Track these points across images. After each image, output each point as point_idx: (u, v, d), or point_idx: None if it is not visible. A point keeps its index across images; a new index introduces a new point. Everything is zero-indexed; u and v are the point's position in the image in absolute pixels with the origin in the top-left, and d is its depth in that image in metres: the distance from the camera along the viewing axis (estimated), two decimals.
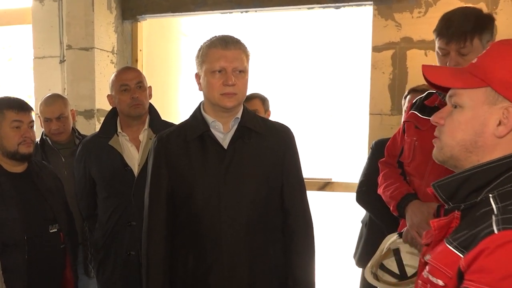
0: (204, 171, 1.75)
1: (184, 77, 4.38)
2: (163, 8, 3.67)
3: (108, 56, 3.63)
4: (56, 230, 2.17)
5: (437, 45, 1.74)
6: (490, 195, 0.97)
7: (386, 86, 3.16)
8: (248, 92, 1.88)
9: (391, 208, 1.86)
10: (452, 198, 1.03)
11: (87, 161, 2.42)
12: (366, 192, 2.47)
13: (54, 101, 2.71)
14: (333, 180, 3.56)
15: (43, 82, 3.73)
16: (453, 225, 1.02)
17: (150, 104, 2.47)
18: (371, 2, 3.17)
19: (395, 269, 1.82)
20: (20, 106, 2.11)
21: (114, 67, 3.65)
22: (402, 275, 1.80)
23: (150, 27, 3.96)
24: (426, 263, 1.05)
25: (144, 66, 3.91)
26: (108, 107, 2.59)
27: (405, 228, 1.78)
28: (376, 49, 3.18)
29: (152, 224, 1.82)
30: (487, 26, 1.70)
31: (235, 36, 1.76)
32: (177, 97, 4.44)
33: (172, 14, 3.69)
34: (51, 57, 3.73)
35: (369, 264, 1.85)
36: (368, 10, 3.25)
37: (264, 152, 1.79)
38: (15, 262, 2.01)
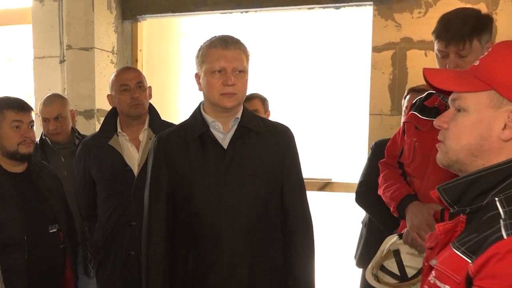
0: (204, 171, 1.75)
1: (184, 77, 4.38)
2: (163, 8, 3.67)
3: (108, 56, 3.63)
4: (56, 230, 2.17)
5: (436, 47, 1.74)
6: (496, 198, 0.96)
7: (386, 86, 3.16)
8: (248, 92, 1.89)
9: (391, 209, 1.86)
10: (457, 201, 1.02)
11: (87, 161, 2.42)
12: (365, 193, 2.47)
13: (52, 101, 2.71)
14: (333, 180, 3.56)
15: (43, 82, 3.73)
16: (458, 229, 1.01)
17: (150, 104, 2.47)
18: (371, 3, 3.17)
19: (396, 270, 1.82)
20: (20, 106, 2.11)
21: (114, 67, 3.65)
22: (402, 276, 1.80)
23: (150, 27, 3.96)
24: (431, 268, 1.03)
25: (144, 66, 3.91)
26: (108, 107, 2.59)
27: (405, 229, 1.78)
28: (376, 49, 3.18)
29: (152, 224, 1.82)
30: (485, 27, 1.70)
31: (235, 36, 1.77)
32: (177, 97, 4.43)
33: (172, 14, 3.69)
34: (51, 57, 3.73)
35: (369, 266, 1.85)
36: (368, 11, 3.25)
37: (264, 152, 1.79)
38: (15, 262, 2.01)
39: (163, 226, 1.80)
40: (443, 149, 1.07)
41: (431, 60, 2.05)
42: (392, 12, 3.12)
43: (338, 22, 4.22)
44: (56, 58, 3.71)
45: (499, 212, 0.93)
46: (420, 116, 1.83)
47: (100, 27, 3.54)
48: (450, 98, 1.07)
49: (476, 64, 1.06)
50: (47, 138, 2.73)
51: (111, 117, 2.46)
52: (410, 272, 1.79)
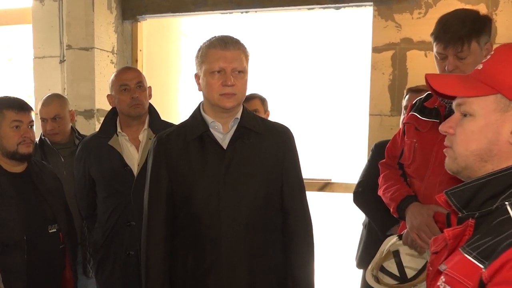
0: (204, 171, 1.75)
1: (184, 77, 4.38)
2: (163, 8, 3.67)
3: (108, 56, 3.63)
4: (55, 230, 2.16)
5: (434, 49, 1.74)
6: (507, 202, 0.94)
7: (386, 87, 3.16)
8: (248, 92, 1.88)
9: (391, 210, 1.86)
10: (466, 206, 1.00)
11: (87, 161, 2.42)
12: (361, 193, 2.50)
13: (50, 102, 2.71)
14: (332, 181, 3.56)
15: (43, 82, 3.73)
16: (466, 233, 1.00)
17: (150, 104, 2.48)
18: (371, 3, 3.17)
19: (395, 271, 1.82)
20: (20, 106, 2.11)
21: (114, 67, 3.65)
22: (402, 277, 1.80)
23: (150, 27, 3.96)
24: (439, 273, 1.01)
25: (144, 66, 3.91)
26: (108, 107, 2.59)
27: (405, 230, 1.78)
28: (376, 49, 3.18)
29: (151, 224, 1.82)
30: (484, 28, 1.70)
31: (235, 37, 1.76)
32: (177, 97, 4.44)
33: (172, 14, 3.69)
34: (51, 57, 3.73)
35: (370, 267, 1.85)
36: (368, 11, 3.25)
37: (263, 153, 1.79)
38: (15, 262, 2.01)
39: (163, 226, 1.80)
40: (452, 155, 1.05)
41: (431, 61, 2.05)
42: (392, 12, 3.12)
43: (338, 22, 4.21)
44: (56, 58, 3.71)
45: (510, 217, 0.92)
46: (420, 117, 1.83)
47: (100, 27, 3.54)
48: (455, 103, 1.05)
49: (479, 68, 1.04)
50: (46, 138, 2.73)
51: (111, 117, 2.46)
52: (409, 273, 1.79)
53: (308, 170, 2.85)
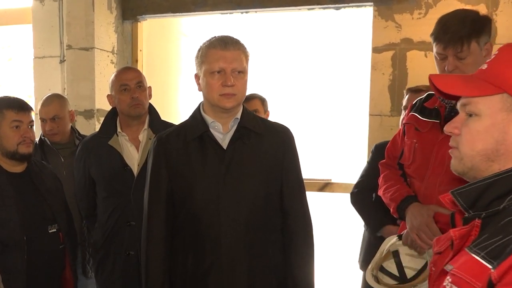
0: (204, 171, 1.75)
1: (184, 77, 4.38)
2: (163, 8, 3.67)
3: (108, 56, 3.63)
4: (55, 230, 2.16)
5: (434, 49, 1.74)
6: None
7: (386, 87, 3.16)
8: (248, 93, 1.88)
9: (391, 210, 1.86)
10: (472, 206, 1.00)
11: (87, 161, 2.42)
12: (356, 194, 2.53)
13: (50, 102, 2.71)
14: (332, 181, 3.56)
15: (43, 82, 3.73)
16: (472, 233, 0.99)
17: (150, 104, 2.48)
18: (371, 3, 3.17)
19: (395, 271, 1.82)
20: (20, 106, 2.11)
21: (114, 67, 3.65)
22: (401, 277, 1.80)
23: (150, 27, 3.96)
24: (443, 273, 1.01)
25: (144, 66, 3.91)
26: (108, 107, 2.59)
27: (405, 231, 1.78)
28: (376, 50, 3.18)
29: (151, 224, 1.82)
30: (484, 29, 1.70)
31: (235, 37, 1.76)
32: (177, 97, 4.44)
33: (172, 14, 3.69)
34: (51, 57, 3.73)
35: (369, 267, 1.85)
36: (368, 11, 3.25)
37: (263, 153, 1.79)
38: (14, 262, 2.01)
39: (162, 226, 1.80)
40: (457, 155, 1.04)
41: (431, 61, 2.05)
42: (392, 13, 3.12)
43: (338, 22, 4.22)
44: (56, 58, 3.71)
45: None
46: (420, 117, 1.83)
47: (100, 27, 3.55)
48: (459, 103, 1.04)
49: (484, 68, 1.04)
50: (46, 139, 2.73)
51: (111, 117, 2.46)
52: (409, 273, 1.79)
53: (308, 170, 2.85)
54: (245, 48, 1.76)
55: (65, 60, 3.63)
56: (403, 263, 1.81)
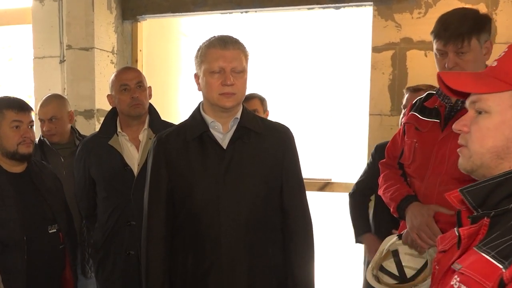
0: (204, 171, 1.75)
1: (184, 77, 4.38)
2: (163, 8, 3.67)
3: (108, 56, 3.63)
4: (55, 230, 2.16)
5: (435, 46, 1.74)
6: None
7: (386, 86, 3.16)
8: (247, 92, 1.88)
9: (391, 210, 1.86)
10: (482, 204, 0.99)
11: (87, 160, 2.42)
12: (352, 195, 2.61)
13: (48, 103, 2.71)
14: (333, 181, 3.56)
15: (43, 82, 3.73)
16: (480, 232, 0.98)
17: (150, 104, 2.48)
18: (371, 3, 3.17)
19: (394, 271, 1.82)
20: (20, 106, 2.11)
21: (114, 67, 3.65)
22: (401, 277, 1.80)
23: (150, 27, 3.96)
24: (450, 272, 1.00)
25: (144, 66, 3.91)
26: (108, 107, 2.59)
27: (405, 230, 1.78)
28: (376, 49, 3.18)
29: (151, 224, 1.82)
30: (484, 26, 1.70)
31: (234, 36, 1.76)
32: (177, 97, 4.44)
33: (172, 14, 3.69)
34: (51, 57, 3.73)
35: (369, 266, 1.85)
36: (368, 11, 3.25)
37: (263, 152, 1.79)
38: (15, 262, 2.01)
39: (162, 226, 1.81)
40: (466, 153, 1.03)
41: (431, 61, 2.05)
42: (392, 12, 3.12)
43: (338, 22, 4.21)
44: (56, 58, 3.71)
45: None
46: (420, 117, 1.83)
47: (100, 27, 3.55)
48: (468, 100, 1.03)
49: (494, 65, 1.03)
50: (45, 139, 2.73)
51: (111, 117, 2.47)
52: (408, 273, 1.80)
53: (308, 169, 2.85)
54: (245, 47, 1.76)
55: (65, 60, 3.63)
56: (402, 262, 1.81)
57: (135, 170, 2.35)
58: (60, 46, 3.67)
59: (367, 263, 2.60)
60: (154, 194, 1.82)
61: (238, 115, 1.80)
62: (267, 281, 1.81)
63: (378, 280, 1.82)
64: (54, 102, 2.72)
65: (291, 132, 1.88)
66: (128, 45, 3.86)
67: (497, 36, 2.88)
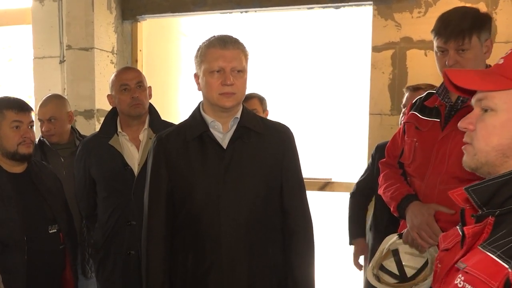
0: (204, 171, 1.75)
1: (184, 77, 4.38)
2: (163, 8, 3.67)
3: (108, 56, 3.63)
4: (55, 230, 2.16)
5: (435, 44, 1.74)
6: None
7: (386, 86, 3.16)
8: (247, 92, 1.88)
9: (391, 209, 1.86)
10: (487, 203, 0.98)
11: (87, 160, 2.42)
12: (352, 195, 2.66)
13: (47, 103, 2.71)
14: (333, 180, 3.56)
15: (43, 82, 3.73)
16: (485, 231, 0.98)
17: (150, 104, 2.48)
18: (371, 2, 3.17)
19: (395, 270, 1.82)
20: (20, 106, 2.11)
21: (114, 67, 3.65)
22: (401, 276, 1.80)
23: (150, 27, 3.96)
24: (453, 270, 0.99)
25: (144, 66, 3.91)
26: (108, 107, 2.59)
27: (406, 229, 1.78)
28: (376, 49, 3.18)
29: (152, 224, 1.82)
30: (485, 24, 1.70)
31: (234, 36, 1.76)
32: (177, 97, 4.44)
33: (172, 14, 3.69)
34: (51, 57, 3.73)
35: (370, 265, 1.85)
36: (368, 10, 3.25)
37: (263, 152, 1.79)
38: (15, 262, 2.01)
39: (163, 226, 1.80)
40: (471, 151, 1.02)
41: (431, 60, 2.05)
42: (392, 11, 3.12)
43: (338, 22, 4.21)
44: (56, 58, 3.71)
45: None
46: (421, 116, 1.83)
47: (100, 27, 3.54)
48: (474, 98, 1.03)
49: (500, 63, 1.03)
50: (45, 139, 2.73)
51: (111, 117, 2.47)
52: (409, 272, 1.79)
53: (308, 169, 2.85)
54: (245, 47, 1.76)
55: (65, 60, 3.63)
56: (402, 261, 1.81)
57: (135, 170, 2.35)
58: (60, 46, 3.67)
59: (361, 266, 2.66)
60: (154, 194, 1.82)
61: (238, 115, 1.80)
62: (267, 281, 1.81)
63: (378, 279, 1.82)
64: (53, 102, 2.72)
65: (291, 132, 1.88)
66: (128, 45, 3.86)
67: (497, 35, 2.88)
